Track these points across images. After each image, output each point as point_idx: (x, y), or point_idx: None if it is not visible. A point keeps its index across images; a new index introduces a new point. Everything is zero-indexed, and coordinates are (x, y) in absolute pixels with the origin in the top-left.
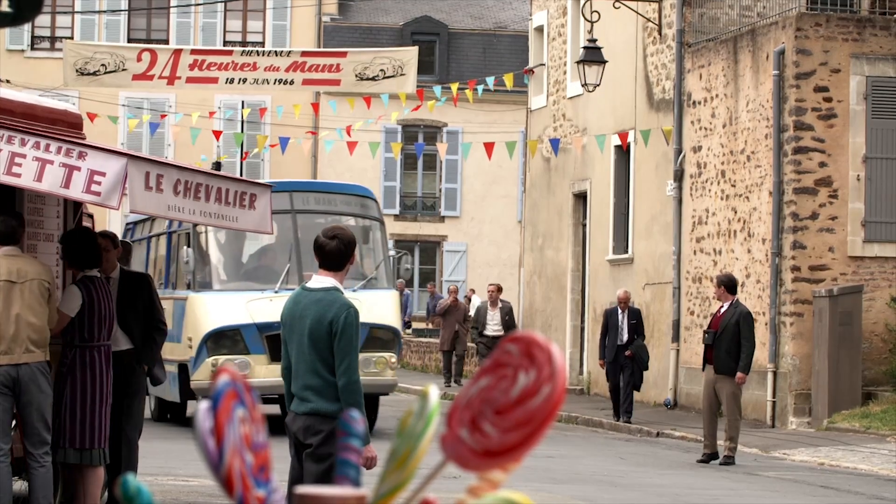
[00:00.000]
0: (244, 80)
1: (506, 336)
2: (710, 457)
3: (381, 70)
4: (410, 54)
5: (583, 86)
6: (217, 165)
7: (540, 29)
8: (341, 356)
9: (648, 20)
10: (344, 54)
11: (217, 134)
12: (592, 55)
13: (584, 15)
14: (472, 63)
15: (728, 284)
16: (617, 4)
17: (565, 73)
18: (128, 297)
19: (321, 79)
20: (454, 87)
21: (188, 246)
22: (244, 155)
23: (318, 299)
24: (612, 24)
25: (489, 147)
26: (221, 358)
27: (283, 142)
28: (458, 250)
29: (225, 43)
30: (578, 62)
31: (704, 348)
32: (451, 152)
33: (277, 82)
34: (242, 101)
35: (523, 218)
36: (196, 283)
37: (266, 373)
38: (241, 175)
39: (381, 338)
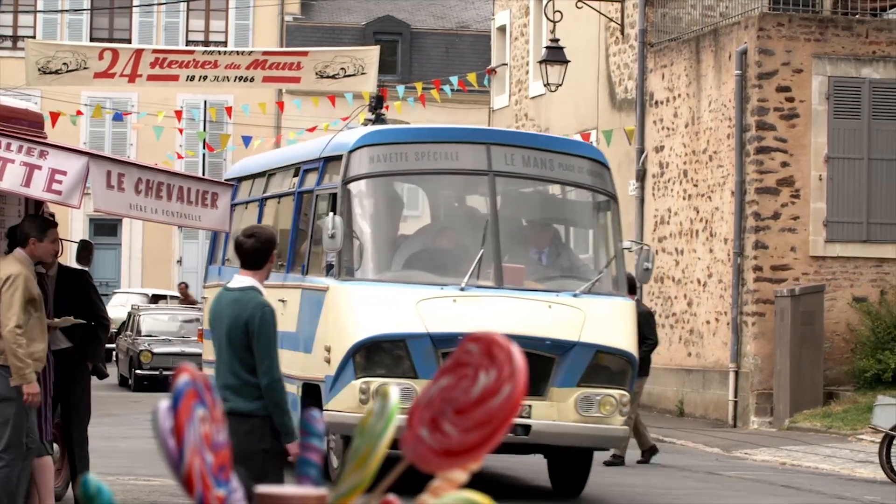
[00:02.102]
0: (205, 78)
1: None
2: (618, 458)
3: (342, 69)
4: (372, 53)
5: (545, 85)
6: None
7: (502, 29)
8: (261, 356)
9: (611, 20)
10: (305, 53)
11: (181, 131)
12: (555, 55)
13: (546, 15)
14: (435, 63)
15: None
16: (579, 4)
17: (528, 72)
18: (65, 294)
19: (281, 76)
20: (419, 86)
21: (335, 212)
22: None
23: (235, 299)
24: (574, 24)
25: None
26: (375, 381)
27: (246, 141)
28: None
29: (187, 42)
30: (541, 62)
31: None
32: None
33: (238, 79)
34: (205, 101)
35: None
36: (342, 269)
37: None
38: (204, 174)
39: (610, 367)
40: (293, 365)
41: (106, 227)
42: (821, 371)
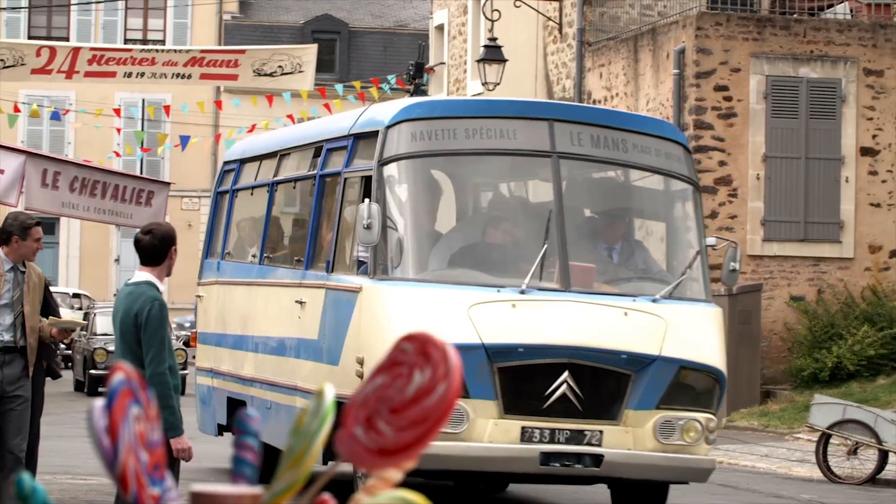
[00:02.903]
0: (142, 75)
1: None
2: None
3: (280, 67)
4: (309, 52)
5: (483, 84)
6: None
7: (440, 28)
8: (147, 347)
9: (549, 19)
10: (243, 51)
11: (118, 130)
12: (493, 54)
13: (484, 14)
14: (373, 61)
15: None
16: (517, 3)
17: (465, 71)
18: None
19: (219, 74)
20: (358, 84)
21: (371, 199)
22: (143, 151)
23: (129, 293)
24: (512, 23)
25: None
26: None
27: (184, 140)
28: None
29: (126, 41)
30: (479, 61)
31: None
32: None
33: (175, 77)
34: (143, 100)
35: None
36: (378, 266)
37: (496, 434)
38: (142, 173)
39: (694, 386)
40: (313, 378)
41: (43, 226)
42: (758, 370)
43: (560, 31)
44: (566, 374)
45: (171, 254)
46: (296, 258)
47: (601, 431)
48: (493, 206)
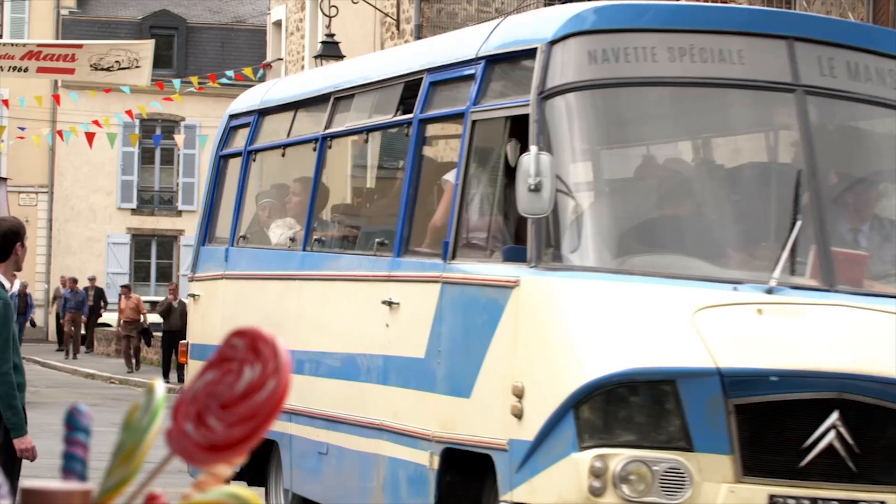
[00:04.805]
0: None
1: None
2: None
3: (117, 62)
4: (146, 47)
5: None
6: None
7: (278, 23)
8: None
9: (386, 15)
10: (80, 46)
11: None
12: (330, 50)
13: (322, 10)
14: (211, 57)
15: None
16: None
17: (303, 67)
18: None
19: (56, 67)
20: (195, 80)
21: (537, 145)
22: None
23: None
24: (350, 19)
25: None
26: (619, 455)
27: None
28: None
29: None
30: (316, 57)
31: None
32: (188, 146)
33: (12, 70)
34: None
35: None
36: (544, 249)
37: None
38: None
39: None
40: (415, 413)
41: None
42: None
43: (398, 27)
44: (835, 415)
45: (17, 249)
46: (377, 240)
47: (882, 503)
48: (714, 164)
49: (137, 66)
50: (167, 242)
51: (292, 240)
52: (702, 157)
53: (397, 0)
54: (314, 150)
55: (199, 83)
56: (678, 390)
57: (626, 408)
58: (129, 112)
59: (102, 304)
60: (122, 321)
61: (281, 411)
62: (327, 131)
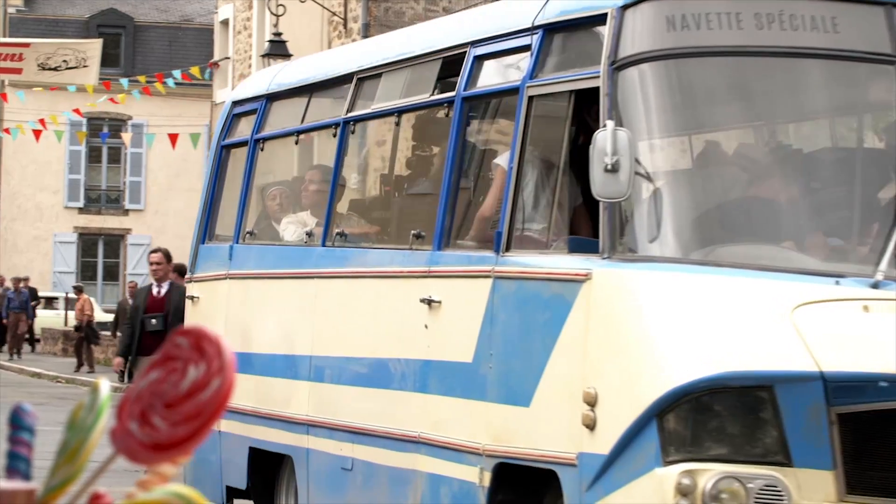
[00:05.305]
0: None
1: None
2: None
3: (64, 61)
4: (94, 46)
5: None
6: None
7: (226, 22)
8: None
9: (334, 14)
10: (27, 45)
11: None
12: (277, 49)
13: (269, 8)
14: (158, 56)
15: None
16: None
17: (251, 66)
18: None
19: (3, 67)
20: (142, 79)
21: (613, 120)
22: None
23: None
24: (297, 18)
25: (173, 139)
26: (708, 471)
27: None
28: (142, 243)
29: None
30: (263, 55)
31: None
32: (135, 145)
33: None
34: None
35: None
36: (618, 239)
37: None
38: None
39: None
40: (459, 424)
41: None
42: None
43: (345, 25)
44: None
45: None
46: (413, 233)
47: None
48: (809, 145)
49: (85, 66)
50: (114, 241)
51: (309, 235)
52: (795, 136)
53: None
54: (334, 135)
55: (147, 82)
56: (776, 397)
57: (717, 417)
58: (76, 110)
59: (35, 304)
60: (76, 321)
61: (225, 410)
62: (350, 115)
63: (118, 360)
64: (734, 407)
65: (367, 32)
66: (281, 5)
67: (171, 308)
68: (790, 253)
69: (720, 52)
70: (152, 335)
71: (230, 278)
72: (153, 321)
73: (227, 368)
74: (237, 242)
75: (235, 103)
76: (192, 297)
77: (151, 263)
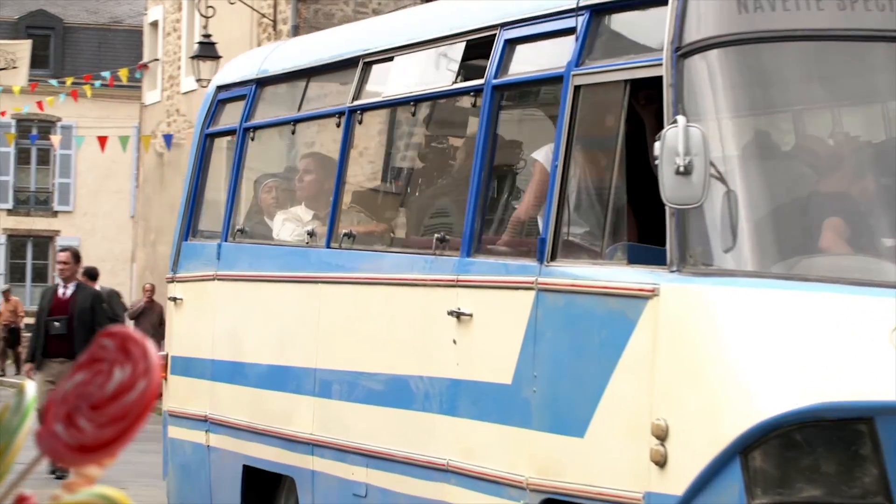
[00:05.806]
0: None
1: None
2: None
3: None
4: (23, 47)
5: (197, 81)
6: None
7: (155, 24)
8: None
9: (263, 15)
10: None
11: None
12: (207, 50)
13: (198, 10)
14: (88, 57)
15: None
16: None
17: (180, 68)
18: None
19: None
20: (69, 80)
21: (685, 116)
22: None
23: None
24: (227, 19)
25: (102, 141)
26: None
27: None
28: (71, 245)
29: None
30: (193, 57)
31: (49, 339)
32: (64, 147)
33: None
34: None
35: (136, 213)
36: (689, 250)
37: None
38: None
39: None
40: (496, 453)
41: None
42: None
43: (274, 27)
44: None
45: None
46: (437, 236)
47: None
48: (880, 138)
49: (14, 67)
50: (43, 243)
51: (311, 234)
52: (890, 130)
53: (274, 0)
54: (338, 125)
55: (74, 84)
56: (875, 430)
57: (810, 454)
58: (3, 112)
59: None
60: (1, 324)
61: (151, 412)
62: (356, 103)
63: (28, 366)
64: (829, 442)
65: (296, 34)
66: (210, 7)
67: (76, 310)
68: (889, 265)
69: (799, 37)
70: (57, 338)
71: (218, 279)
72: (56, 324)
73: (152, 370)
74: (226, 240)
75: (220, 88)
76: (174, 299)
77: (59, 262)
